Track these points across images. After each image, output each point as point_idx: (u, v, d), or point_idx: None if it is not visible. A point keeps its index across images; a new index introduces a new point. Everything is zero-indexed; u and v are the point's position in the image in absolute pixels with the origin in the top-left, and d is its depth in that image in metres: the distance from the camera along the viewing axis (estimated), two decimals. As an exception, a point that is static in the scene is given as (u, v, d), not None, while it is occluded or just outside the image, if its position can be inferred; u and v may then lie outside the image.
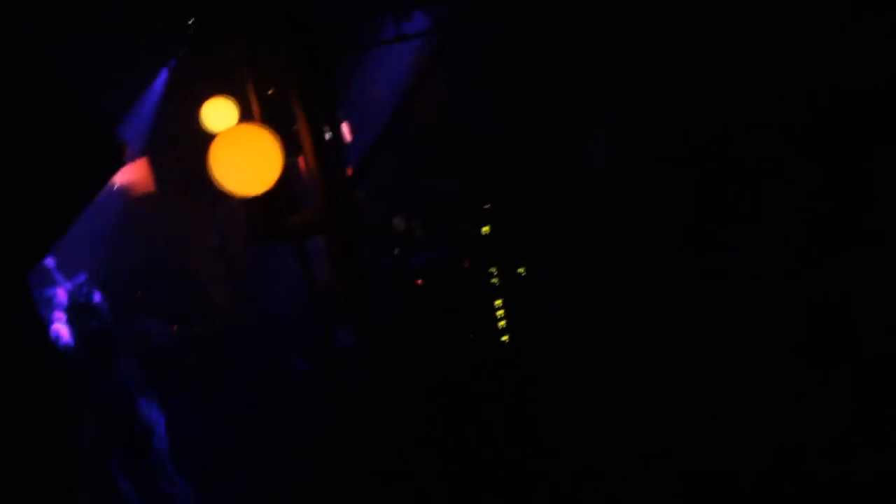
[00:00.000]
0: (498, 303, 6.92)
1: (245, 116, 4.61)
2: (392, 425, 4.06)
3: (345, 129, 9.87)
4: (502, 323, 6.95)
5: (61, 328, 8.44)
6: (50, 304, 9.50)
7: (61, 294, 9.69)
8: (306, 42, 2.23)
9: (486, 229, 6.87)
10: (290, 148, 4.53)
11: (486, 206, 6.77)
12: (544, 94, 5.19)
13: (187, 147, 10.20)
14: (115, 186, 11.36)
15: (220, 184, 2.28)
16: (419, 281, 7.26)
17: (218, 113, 4.46)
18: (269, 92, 4.98)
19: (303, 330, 7.05)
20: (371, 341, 2.60)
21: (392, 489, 4.04)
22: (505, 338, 6.91)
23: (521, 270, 6.61)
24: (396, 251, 8.63)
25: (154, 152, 12.89)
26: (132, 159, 11.37)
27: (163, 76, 10.57)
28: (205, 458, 6.78)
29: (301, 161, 5.70)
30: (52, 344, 4.93)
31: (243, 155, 2.24)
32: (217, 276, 10.91)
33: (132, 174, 12.92)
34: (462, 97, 6.95)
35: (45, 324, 4.74)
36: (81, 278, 10.54)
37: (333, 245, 2.45)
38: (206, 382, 7.64)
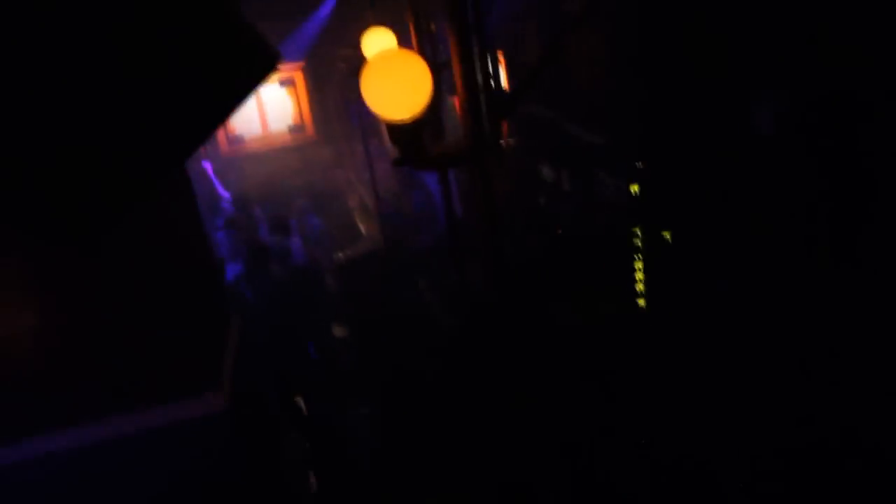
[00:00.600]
0: (639, 265, 6.73)
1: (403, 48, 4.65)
2: (515, 379, 4.06)
3: (501, 66, 9.79)
4: (640, 287, 6.76)
5: (223, 234, 9.09)
6: (215, 211, 10.25)
7: (225, 204, 10.43)
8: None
9: (635, 188, 6.64)
10: (445, 82, 4.56)
11: (639, 164, 6.52)
12: (712, 47, 4.87)
13: (346, 77, 10.50)
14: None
15: (370, 106, 2.30)
16: (559, 230, 7.17)
17: (377, 42, 4.53)
18: (431, 26, 5.01)
19: (439, 266, 7.18)
20: (502, 285, 2.58)
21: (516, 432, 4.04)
22: (641, 302, 6.73)
23: (666, 235, 6.36)
24: (542, 200, 8.56)
25: (313, 80, 13.45)
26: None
27: (329, 4, 10.91)
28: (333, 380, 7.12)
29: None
30: (209, 243, 5.28)
31: (393, 79, 2.24)
32: (363, 202, 11.32)
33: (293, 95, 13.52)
34: (622, 46, 6.66)
35: (206, 226, 5.12)
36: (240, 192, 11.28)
37: (474, 179, 2.43)
38: (339, 306, 7.99)
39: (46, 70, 1.24)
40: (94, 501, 4.16)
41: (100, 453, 4.05)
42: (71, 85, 1.25)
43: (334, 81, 12.43)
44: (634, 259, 6.52)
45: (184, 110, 1.41)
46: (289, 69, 13.11)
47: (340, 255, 8.73)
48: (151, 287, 3.93)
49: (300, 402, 6.60)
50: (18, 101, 1.24)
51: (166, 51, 1.35)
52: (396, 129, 2.24)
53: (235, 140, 13.13)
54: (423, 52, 4.38)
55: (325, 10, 11.37)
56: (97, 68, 1.27)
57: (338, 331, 8.20)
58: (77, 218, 1.36)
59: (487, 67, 2.50)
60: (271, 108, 13.35)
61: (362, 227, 10.31)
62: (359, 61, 9.34)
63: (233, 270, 7.91)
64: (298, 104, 13.47)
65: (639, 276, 6.70)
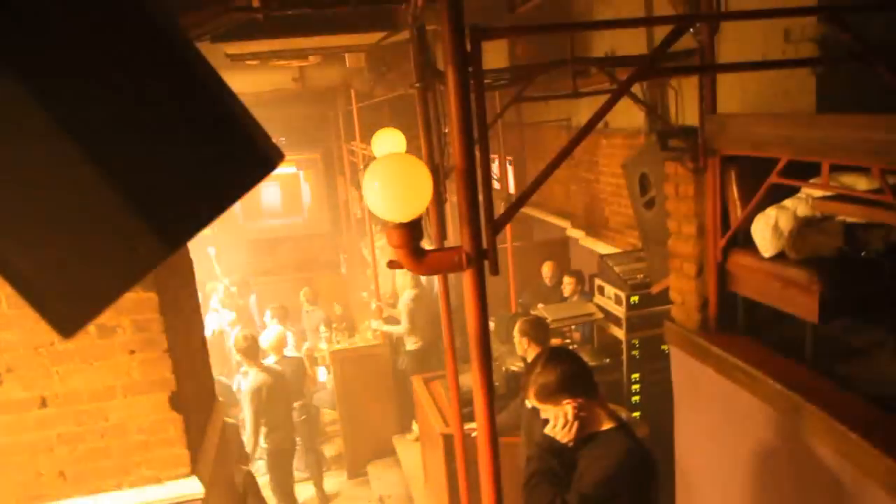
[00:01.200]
0: (635, 377, 6.71)
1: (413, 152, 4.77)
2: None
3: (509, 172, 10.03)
4: (636, 398, 6.73)
5: (212, 319, 9.09)
6: (210, 295, 10.27)
7: (221, 288, 10.46)
8: (467, 85, 2.27)
9: (634, 299, 6.68)
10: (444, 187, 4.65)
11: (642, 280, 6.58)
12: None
13: (354, 172, 10.71)
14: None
15: (370, 207, 2.34)
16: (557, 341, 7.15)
17: (386, 143, 4.65)
18: (446, 130, 5.16)
19: (435, 366, 7.12)
20: (487, 390, 2.55)
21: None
22: (636, 414, 6.65)
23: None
24: (540, 305, 8.58)
25: (325, 171, 13.77)
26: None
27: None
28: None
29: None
30: (203, 328, 5.28)
31: (392, 182, 2.29)
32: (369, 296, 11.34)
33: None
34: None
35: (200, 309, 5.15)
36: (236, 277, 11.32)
37: (467, 286, 2.44)
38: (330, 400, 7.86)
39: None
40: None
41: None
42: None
43: (345, 175, 12.72)
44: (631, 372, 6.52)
45: (186, 197, 1.45)
46: (304, 159, 13.45)
47: (337, 347, 8.67)
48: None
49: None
50: None
51: (173, 144, 1.41)
52: (394, 232, 2.27)
53: (245, 224, 13.30)
54: (431, 155, 4.49)
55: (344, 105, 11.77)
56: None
57: (325, 423, 8.07)
58: None
59: (490, 174, 2.55)
60: (285, 196, 13.60)
61: (361, 323, 10.29)
62: (368, 159, 9.59)
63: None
64: (311, 193, 13.73)
65: (635, 387, 6.67)
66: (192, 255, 5.08)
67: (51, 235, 1.27)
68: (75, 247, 1.30)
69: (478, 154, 2.52)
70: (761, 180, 3.39)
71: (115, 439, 4.02)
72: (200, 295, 10.38)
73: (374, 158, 3.26)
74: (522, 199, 2.64)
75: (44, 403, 3.87)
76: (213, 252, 10.92)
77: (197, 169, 1.42)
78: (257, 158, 1.58)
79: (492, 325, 7.10)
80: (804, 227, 3.25)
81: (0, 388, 3.78)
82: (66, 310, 1.27)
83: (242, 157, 1.56)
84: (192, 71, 1.35)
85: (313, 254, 13.33)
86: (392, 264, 2.41)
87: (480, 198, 2.44)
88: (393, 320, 8.48)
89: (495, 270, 2.50)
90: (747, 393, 3.65)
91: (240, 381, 7.59)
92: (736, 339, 3.92)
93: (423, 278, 8.16)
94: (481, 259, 2.40)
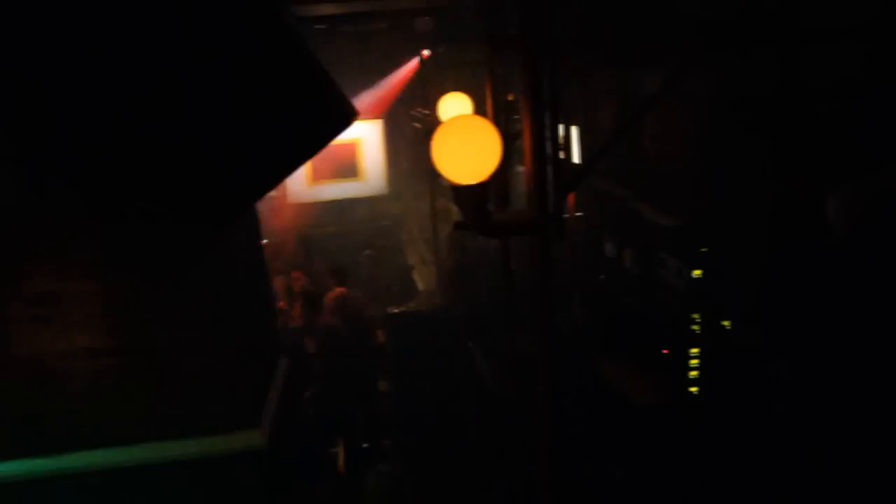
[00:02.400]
0: (694, 351, 6.58)
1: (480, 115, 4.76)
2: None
3: (574, 141, 9.90)
4: (694, 373, 6.60)
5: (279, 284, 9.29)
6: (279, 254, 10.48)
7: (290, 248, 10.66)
8: (542, 51, 2.26)
9: (697, 273, 6.55)
10: (516, 152, 4.64)
11: (703, 250, 6.44)
12: (790, 142, 4.83)
13: (419, 136, 10.76)
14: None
15: (439, 168, 2.36)
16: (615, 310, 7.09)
17: (453, 107, 4.66)
18: (510, 97, 5.14)
19: (493, 330, 7.15)
20: (549, 355, 2.57)
21: None
22: (694, 389, 6.56)
23: (725, 323, 6.22)
24: (602, 276, 8.51)
25: (389, 135, 13.81)
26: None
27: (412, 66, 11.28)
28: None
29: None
30: (267, 284, 5.42)
31: (464, 144, 2.30)
32: (423, 258, 11.44)
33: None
34: (697, 131, 6.66)
35: (267, 272, 5.28)
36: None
37: (533, 250, 2.45)
38: (389, 360, 8.01)
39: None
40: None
41: (134, 475, 4.13)
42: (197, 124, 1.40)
43: (408, 139, 12.73)
44: (691, 345, 6.39)
45: (270, 151, 1.52)
46: (369, 122, 13.51)
47: (396, 309, 8.78)
48: (206, 318, 4.05)
49: (339, 453, 6.60)
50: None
51: (259, 103, 1.47)
52: (462, 194, 2.29)
53: (309, 185, 13.46)
54: (497, 121, 4.47)
55: (408, 68, 11.76)
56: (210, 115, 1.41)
57: (384, 385, 8.21)
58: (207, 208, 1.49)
59: (558, 141, 2.54)
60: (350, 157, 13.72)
61: (420, 284, 10.38)
62: (433, 123, 9.59)
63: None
64: (374, 157, 13.79)
65: (693, 362, 6.55)
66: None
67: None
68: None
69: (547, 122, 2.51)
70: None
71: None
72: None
73: (439, 122, 3.26)
74: (589, 166, 2.63)
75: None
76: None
77: (283, 123, 1.47)
78: (336, 114, 1.63)
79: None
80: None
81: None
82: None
83: (323, 112, 1.61)
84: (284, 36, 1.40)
85: (375, 218, 13.46)
86: (458, 226, 2.43)
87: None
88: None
89: (561, 235, 2.50)
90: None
91: None
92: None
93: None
94: (548, 223, 2.41)
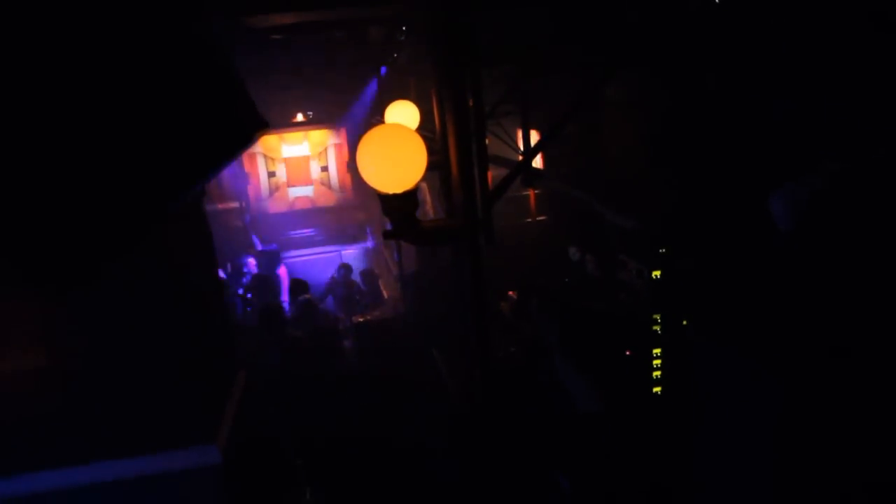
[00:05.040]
0: (656, 352, 6.62)
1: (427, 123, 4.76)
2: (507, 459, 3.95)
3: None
4: (657, 373, 6.64)
5: (241, 295, 9.23)
6: (241, 269, 10.41)
7: (252, 263, 10.59)
8: (460, 64, 2.26)
9: (656, 273, 6.60)
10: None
11: (662, 251, 6.49)
12: (736, 140, 4.89)
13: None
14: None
15: (364, 178, 2.35)
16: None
17: (399, 115, 4.65)
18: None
19: (457, 337, 7.14)
20: (483, 363, 2.57)
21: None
22: (657, 389, 6.60)
23: (685, 323, 6.28)
24: (567, 280, 8.54)
25: (351, 145, 13.83)
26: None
27: (373, 84, 11.32)
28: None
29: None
30: (220, 298, 5.37)
31: (387, 152, 2.30)
32: (388, 267, 11.41)
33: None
34: (651, 134, 6.72)
35: (220, 286, 5.23)
36: (273, 247, 11.46)
37: (462, 257, 2.45)
38: (353, 368, 7.97)
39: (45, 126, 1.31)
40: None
41: (85, 496, 4.06)
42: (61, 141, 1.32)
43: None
44: (651, 345, 6.42)
45: (171, 167, 1.47)
46: (337, 133, 13.52)
47: (361, 318, 8.75)
48: (154, 333, 4.00)
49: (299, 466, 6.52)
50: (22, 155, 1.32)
51: (158, 113, 1.42)
52: (389, 203, 2.28)
53: (283, 196, 13.43)
54: (441, 129, 4.48)
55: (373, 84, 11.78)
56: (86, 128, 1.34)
57: (348, 393, 8.15)
58: (62, 264, 1.41)
59: (483, 144, 2.55)
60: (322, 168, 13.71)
61: (385, 293, 10.35)
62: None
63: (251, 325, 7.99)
64: (338, 166, 13.78)
65: (656, 362, 6.58)
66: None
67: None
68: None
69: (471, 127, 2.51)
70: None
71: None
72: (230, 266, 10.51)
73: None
74: (514, 173, 2.64)
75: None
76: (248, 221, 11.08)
77: (195, 136, 1.44)
78: (243, 126, 1.60)
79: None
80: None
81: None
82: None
83: (230, 123, 1.58)
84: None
85: (341, 226, 13.45)
86: (387, 234, 2.43)
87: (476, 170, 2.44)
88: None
89: (491, 241, 2.50)
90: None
91: None
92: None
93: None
94: (475, 230, 2.41)
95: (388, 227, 2.40)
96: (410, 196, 2.34)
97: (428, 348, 8.04)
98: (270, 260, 10.86)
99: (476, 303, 2.43)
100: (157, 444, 4.18)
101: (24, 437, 4.01)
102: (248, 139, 1.61)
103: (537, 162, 10.19)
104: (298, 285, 8.56)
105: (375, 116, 9.38)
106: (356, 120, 12.76)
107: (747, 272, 5.07)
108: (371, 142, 2.33)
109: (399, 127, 2.45)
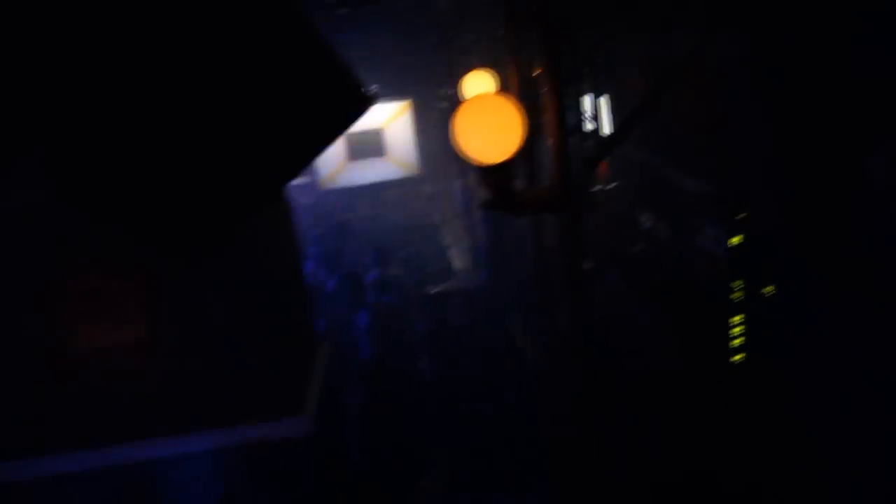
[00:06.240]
0: (736, 320, 6.48)
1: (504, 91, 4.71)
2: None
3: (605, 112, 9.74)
4: (737, 342, 6.50)
5: (317, 266, 9.38)
6: (310, 244, 10.58)
7: (320, 237, 10.76)
8: (560, 24, 2.22)
9: (736, 239, 6.43)
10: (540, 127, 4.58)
11: (741, 216, 6.31)
12: (822, 98, 4.69)
13: (447, 116, 10.70)
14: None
15: (462, 149, 2.35)
16: (653, 279, 7.00)
17: (476, 85, 4.61)
18: (536, 72, 5.06)
19: (531, 307, 7.12)
20: (582, 332, 2.55)
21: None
22: (737, 358, 6.45)
23: (768, 290, 6.11)
24: (639, 247, 8.40)
25: (418, 117, 13.80)
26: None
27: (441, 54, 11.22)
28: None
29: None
30: (303, 274, 5.47)
31: (485, 123, 2.28)
32: (458, 238, 11.43)
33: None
34: (730, 94, 6.50)
35: (302, 256, 5.34)
36: (342, 221, 11.61)
37: (561, 225, 2.43)
38: (428, 339, 8.03)
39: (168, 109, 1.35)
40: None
41: (177, 465, 4.23)
42: (185, 126, 1.36)
43: (436, 120, 12.69)
44: (732, 313, 6.28)
45: (281, 146, 1.49)
46: (399, 105, 13.51)
47: (434, 289, 8.79)
48: (247, 310, 4.11)
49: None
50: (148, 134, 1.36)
51: (268, 94, 1.44)
52: (487, 173, 2.27)
53: (351, 170, 13.53)
54: (522, 97, 4.43)
55: (434, 49, 11.68)
56: (207, 112, 1.37)
57: (423, 363, 8.25)
58: (190, 236, 1.46)
59: (582, 112, 2.51)
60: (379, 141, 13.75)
61: (457, 264, 10.39)
62: (458, 102, 9.50)
63: (330, 301, 8.13)
64: (404, 139, 13.79)
65: (735, 330, 6.44)
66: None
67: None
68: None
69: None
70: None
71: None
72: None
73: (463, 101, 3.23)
74: (616, 137, 2.59)
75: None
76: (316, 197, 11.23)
77: (292, 115, 1.46)
78: (348, 102, 1.61)
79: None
80: None
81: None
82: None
83: (337, 101, 1.59)
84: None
85: (407, 200, 13.49)
86: (485, 205, 2.42)
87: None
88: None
89: (589, 208, 2.47)
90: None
91: None
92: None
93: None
94: (574, 198, 2.38)
95: (482, 199, 2.40)
96: (509, 166, 2.33)
97: (501, 316, 8.06)
98: (341, 232, 11.00)
99: (573, 269, 2.42)
100: (250, 415, 4.31)
101: (126, 408, 4.19)
102: (357, 114, 1.61)
103: (606, 127, 10.00)
104: (372, 256, 8.67)
105: (445, 88, 9.33)
106: (424, 92, 12.72)
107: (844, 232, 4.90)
108: (469, 112, 2.32)
109: (496, 97, 2.43)
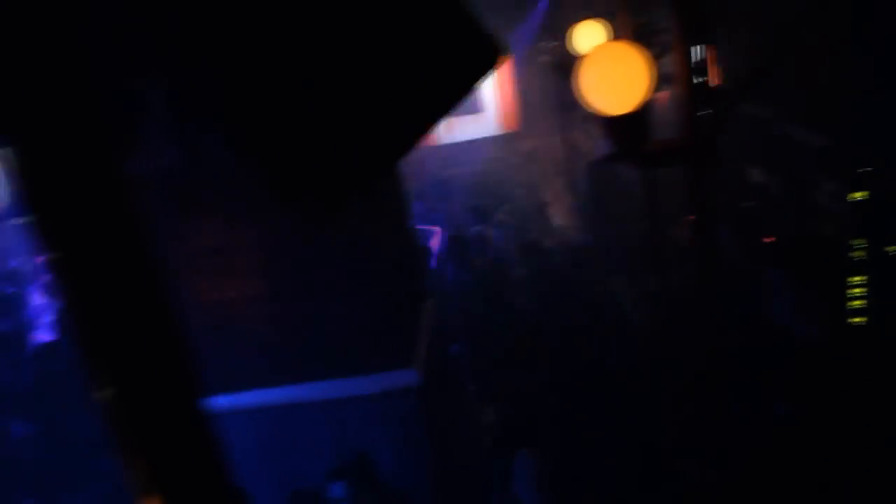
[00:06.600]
0: (858, 280, 6.17)
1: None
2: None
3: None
4: (858, 303, 6.19)
5: (420, 223, 9.51)
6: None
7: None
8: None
9: (858, 195, 6.09)
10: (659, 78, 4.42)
11: (864, 170, 5.97)
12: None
13: (549, 70, 10.51)
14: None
15: (586, 100, 2.30)
16: (769, 238, 6.72)
17: (587, 36, 4.49)
18: (643, 22, 4.89)
19: (636, 264, 6.99)
20: (714, 287, 2.49)
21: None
22: (859, 320, 6.16)
23: (893, 249, 5.78)
24: (750, 204, 8.08)
25: (516, 71, 13.59)
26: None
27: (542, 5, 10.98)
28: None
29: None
30: (414, 230, 5.55)
31: (611, 72, 2.23)
32: (559, 195, 11.31)
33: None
34: (851, 37, 6.10)
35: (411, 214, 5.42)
36: (443, 177, 11.65)
37: (687, 177, 2.36)
38: (530, 298, 8.01)
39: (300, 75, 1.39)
40: (292, 450, 4.56)
41: (299, 411, 4.42)
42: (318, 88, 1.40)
43: (536, 74, 12.48)
44: (854, 273, 5.98)
45: (417, 99, 1.51)
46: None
47: (535, 246, 8.74)
48: (361, 264, 4.22)
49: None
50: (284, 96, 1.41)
51: (398, 48, 1.45)
52: (613, 124, 2.22)
53: (447, 126, 13.54)
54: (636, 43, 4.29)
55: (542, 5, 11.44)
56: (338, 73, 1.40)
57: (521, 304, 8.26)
58: (328, 192, 1.51)
59: (708, 61, 2.42)
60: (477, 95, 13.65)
61: (556, 220, 10.29)
62: (563, 55, 9.30)
63: (434, 257, 8.24)
64: (502, 95, 13.66)
65: (856, 291, 6.13)
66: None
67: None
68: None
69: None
70: None
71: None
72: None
73: (570, 53, 3.15)
74: (747, 88, 2.48)
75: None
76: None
77: (427, 70, 1.46)
78: (482, 54, 1.60)
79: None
80: None
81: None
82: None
83: (469, 53, 1.58)
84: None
85: (506, 156, 13.38)
86: (609, 158, 2.37)
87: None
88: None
89: (717, 161, 2.39)
90: None
91: None
92: None
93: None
94: (703, 150, 2.31)
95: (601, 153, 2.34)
96: (636, 117, 2.27)
97: (603, 275, 7.95)
98: (442, 190, 11.07)
99: (704, 223, 2.35)
100: (366, 366, 4.45)
101: (249, 357, 4.41)
102: (490, 66, 1.59)
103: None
104: (471, 213, 8.70)
105: (546, 41, 9.15)
106: (521, 46, 12.52)
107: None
108: (595, 62, 2.27)
109: (623, 46, 2.36)
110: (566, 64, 9.64)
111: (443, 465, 5.01)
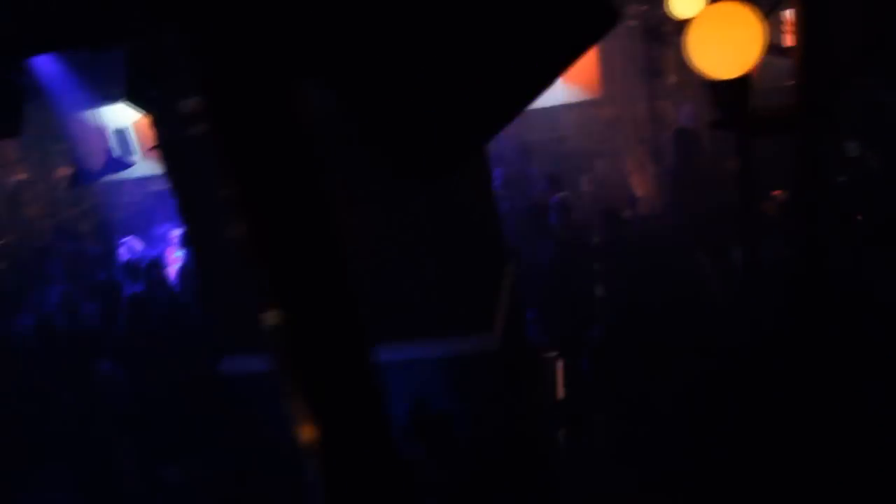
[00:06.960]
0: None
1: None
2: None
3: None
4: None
5: (500, 189, 9.46)
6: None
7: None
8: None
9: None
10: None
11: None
12: None
13: (637, 35, 10.20)
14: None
15: (696, 64, 2.22)
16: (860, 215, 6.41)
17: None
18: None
19: (721, 238, 6.77)
20: (819, 271, 2.38)
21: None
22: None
23: None
24: (842, 179, 7.72)
25: (607, 41, 13.23)
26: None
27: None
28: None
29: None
30: (494, 195, 5.53)
31: (723, 34, 2.14)
32: (642, 164, 11.04)
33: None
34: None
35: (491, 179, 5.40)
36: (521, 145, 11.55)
37: (799, 147, 2.25)
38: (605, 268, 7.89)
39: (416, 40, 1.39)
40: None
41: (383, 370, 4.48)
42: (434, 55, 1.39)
43: (622, 39, 12.13)
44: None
45: (528, 63, 1.48)
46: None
47: (615, 215, 8.59)
48: (446, 229, 4.23)
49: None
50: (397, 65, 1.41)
51: (512, 11, 1.43)
52: (723, 89, 2.14)
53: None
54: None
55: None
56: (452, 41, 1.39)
57: (600, 292, 8.14)
58: (437, 157, 1.50)
59: (781, 27, 2.28)
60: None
61: (638, 191, 10.08)
62: (654, 19, 8.99)
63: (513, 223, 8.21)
64: (585, 61, 13.35)
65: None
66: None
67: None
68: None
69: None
70: None
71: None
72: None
73: (666, 16, 3.00)
74: (868, 53, 2.33)
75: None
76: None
77: (539, 28, 1.42)
78: (597, 13, 1.55)
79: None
80: None
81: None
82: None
83: (586, 14, 1.53)
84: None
85: (587, 123, 13.12)
86: (717, 125, 2.29)
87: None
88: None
89: (826, 130, 2.27)
90: None
91: None
92: None
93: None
94: (817, 119, 2.20)
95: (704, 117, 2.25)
96: (746, 81, 2.17)
97: (686, 247, 7.74)
98: (522, 156, 10.97)
99: (810, 197, 2.25)
100: (443, 329, 4.48)
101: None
102: (605, 29, 1.55)
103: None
104: (551, 182, 8.61)
105: (637, 3, 8.86)
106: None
107: None
108: (704, 23, 2.17)
109: (737, 6, 2.26)
110: (656, 29, 9.34)
111: (516, 432, 5.03)
